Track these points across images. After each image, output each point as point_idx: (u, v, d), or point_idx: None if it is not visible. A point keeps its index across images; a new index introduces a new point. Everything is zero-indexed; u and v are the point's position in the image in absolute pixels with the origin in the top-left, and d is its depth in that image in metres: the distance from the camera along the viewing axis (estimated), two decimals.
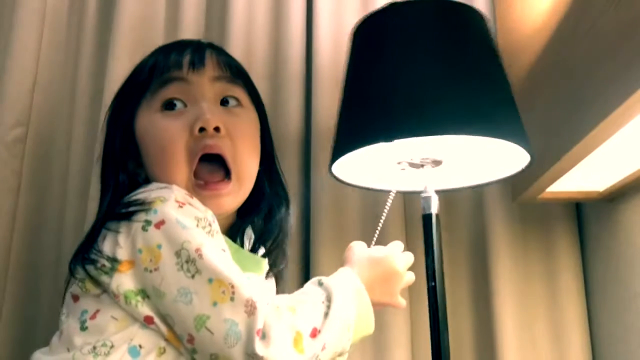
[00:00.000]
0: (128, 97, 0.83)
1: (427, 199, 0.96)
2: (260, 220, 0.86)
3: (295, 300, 0.70)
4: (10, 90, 1.23)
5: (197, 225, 0.69)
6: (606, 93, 0.82)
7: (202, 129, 0.77)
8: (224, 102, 0.82)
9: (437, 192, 0.98)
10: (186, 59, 0.80)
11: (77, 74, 1.34)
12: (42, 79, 1.30)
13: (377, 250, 0.85)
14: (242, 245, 0.84)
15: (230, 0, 1.36)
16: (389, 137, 0.87)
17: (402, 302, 0.86)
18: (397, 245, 0.88)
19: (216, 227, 0.73)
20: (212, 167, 0.79)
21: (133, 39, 1.31)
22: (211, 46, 0.86)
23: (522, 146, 0.90)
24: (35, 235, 1.24)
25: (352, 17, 1.37)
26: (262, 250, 0.88)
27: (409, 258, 0.87)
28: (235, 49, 1.32)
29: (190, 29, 1.36)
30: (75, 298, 0.73)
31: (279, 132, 1.32)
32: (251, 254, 0.83)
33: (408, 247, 1.26)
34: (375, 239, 0.93)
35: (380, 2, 1.33)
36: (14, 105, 1.23)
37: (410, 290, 1.24)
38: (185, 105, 0.80)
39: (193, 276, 0.65)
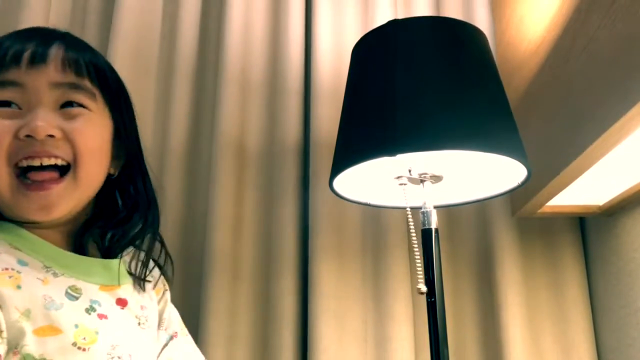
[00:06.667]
0: None
1: (427, 214, 0.97)
2: (119, 227, 0.78)
3: None
4: None
5: None
6: (604, 108, 0.82)
7: (28, 135, 0.67)
8: (66, 104, 0.71)
9: (439, 206, 0.98)
10: (26, 54, 0.69)
11: None
12: None
13: None
14: (85, 251, 0.75)
15: (228, 8, 1.37)
16: (391, 152, 0.88)
17: None
18: None
19: None
20: (45, 172, 0.70)
21: (132, 40, 1.34)
22: (62, 38, 0.73)
23: (519, 161, 0.91)
24: None
25: (351, 29, 1.39)
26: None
27: None
28: (233, 57, 1.34)
29: (189, 31, 1.39)
30: None
31: (278, 143, 1.33)
32: (80, 257, 0.73)
33: (410, 261, 1.27)
34: (417, 253, 0.92)
35: (380, 14, 1.35)
36: None
37: (414, 304, 1.25)
38: (20, 108, 0.69)
39: None
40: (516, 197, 1.20)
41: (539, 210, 1.17)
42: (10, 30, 0.75)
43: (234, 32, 1.36)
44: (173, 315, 0.85)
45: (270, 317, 1.22)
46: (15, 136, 0.67)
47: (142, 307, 0.77)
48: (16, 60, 0.69)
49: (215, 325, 1.19)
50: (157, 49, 1.38)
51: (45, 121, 0.68)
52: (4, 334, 0.61)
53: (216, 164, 1.28)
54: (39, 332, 0.62)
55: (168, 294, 0.85)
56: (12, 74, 0.69)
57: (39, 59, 0.69)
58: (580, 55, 0.92)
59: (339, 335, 1.21)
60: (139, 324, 0.75)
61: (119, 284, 0.75)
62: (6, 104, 0.68)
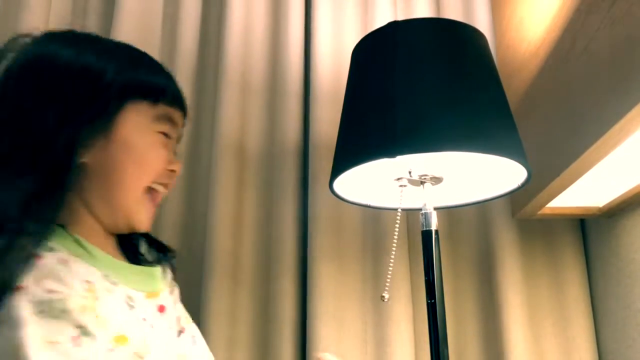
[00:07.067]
0: (126, 82, 0.75)
1: (427, 215, 0.97)
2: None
3: None
4: None
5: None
6: (604, 109, 0.82)
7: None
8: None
9: (439, 208, 0.98)
10: (184, 106, 0.83)
11: None
12: None
13: None
14: (133, 254, 0.81)
15: (228, 11, 1.38)
16: (391, 153, 0.88)
17: None
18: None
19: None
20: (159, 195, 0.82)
21: (132, 42, 1.33)
22: None
23: (520, 163, 0.91)
24: None
25: (351, 30, 1.39)
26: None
27: None
28: (233, 59, 1.34)
29: (189, 33, 1.39)
30: None
31: (278, 144, 1.33)
32: (129, 265, 0.78)
33: (410, 263, 1.27)
34: (392, 259, 0.93)
35: (379, 16, 1.35)
36: None
37: (414, 306, 1.24)
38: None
39: None
40: (516, 199, 1.20)
41: (539, 212, 1.17)
42: (10, 32, 0.76)
43: (234, 34, 1.36)
44: (183, 310, 0.87)
45: (269, 318, 1.22)
46: (166, 167, 0.80)
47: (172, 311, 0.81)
48: (179, 103, 0.81)
49: (215, 326, 1.19)
50: (157, 51, 1.38)
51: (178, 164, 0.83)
52: (96, 332, 0.63)
53: (216, 165, 1.28)
54: (114, 340, 0.66)
55: (177, 291, 0.88)
56: (176, 115, 0.80)
57: (184, 113, 0.83)
58: (580, 57, 0.92)
59: (338, 336, 1.21)
60: (170, 327, 0.79)
61: (161, 291, 0.79)
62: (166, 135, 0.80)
